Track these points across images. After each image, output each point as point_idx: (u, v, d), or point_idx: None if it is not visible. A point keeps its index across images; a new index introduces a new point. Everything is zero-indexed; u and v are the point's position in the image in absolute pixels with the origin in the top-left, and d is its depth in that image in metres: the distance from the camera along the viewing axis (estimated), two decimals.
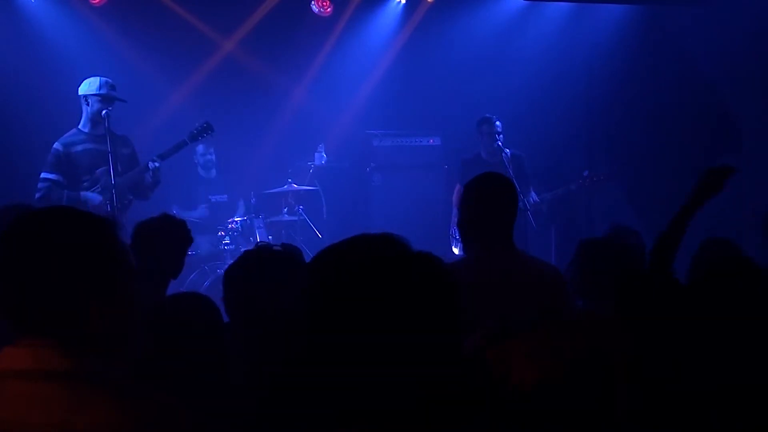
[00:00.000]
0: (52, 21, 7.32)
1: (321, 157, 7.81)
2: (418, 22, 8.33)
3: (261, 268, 2.62)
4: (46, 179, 5.63)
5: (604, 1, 8.33)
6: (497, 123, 6.98)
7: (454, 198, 7.30)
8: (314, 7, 7.91)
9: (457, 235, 7.06)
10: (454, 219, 7.04)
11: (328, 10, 7.96)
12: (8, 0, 7.12)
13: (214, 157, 7.54)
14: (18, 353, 1.46)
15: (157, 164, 5.73)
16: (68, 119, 6.22)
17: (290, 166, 7.62)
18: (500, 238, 3.04)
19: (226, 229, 7.04)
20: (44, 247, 1.48)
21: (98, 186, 5.64)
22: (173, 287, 5.21)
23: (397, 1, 8.29)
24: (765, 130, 7.85)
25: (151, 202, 5.85)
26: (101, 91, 5.66)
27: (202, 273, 6.68)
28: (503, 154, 6.72)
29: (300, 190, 7.35)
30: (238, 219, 7.14)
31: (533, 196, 6.86)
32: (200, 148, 7.44)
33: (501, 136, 6.92)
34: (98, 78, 5.73)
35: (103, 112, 5.63)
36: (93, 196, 5.62)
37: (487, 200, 3.05)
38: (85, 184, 5.66)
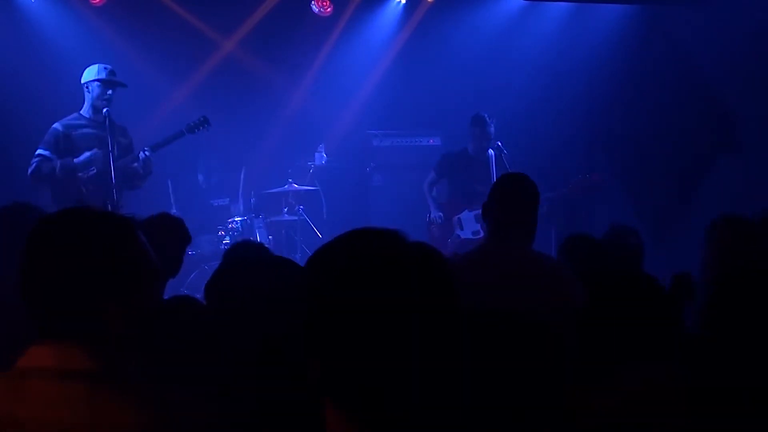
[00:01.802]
0: (52, 21, 7.32)
1: (321, 157, 7.82)
2: (418, 22, 8.33)
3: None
4: (39, 155, 5.74)
5: (604, 1, 8.33)
6: (491, 129, 6.90)
7: (425, 184, 7.24)
8: (314, 7, 7.91)
9: (438, 220, 7.05)
10: (431, 209, 7.08)
11: (328, 10, 7.96)
12: (8, 0, 7.13)
13: (215, 180, 7.58)
14: (42, 352, 1.47)
15: (147, 154, 5.80)
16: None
17: (290, 166, 7.63)
18: (521, 234, 3.17)
19: (226, 229, 7.05)
20: (67, 249, 1.48)
21: (93, 168, 5.70)
22: (173, 287, 5.18)
23: (397, 1, 8.29)
24: (765, 130, 7.85)
25: (150, 201, 5.86)
26: (100, 76, 5.78)
27: (202, 273, 6.67)
28: (489, 153, 6.75)
29: (300, 190, 7.35)
30: (239, 219, 7.15)
31: None
32: (200, 177, 7.48)
33: (493, 138, 6.89)
34: (97, 65, 5.86)
35: (104, 110, 5.72)
36: (84, 156, 5.68)
37: (515, 202, 3.19)
38: (82, 173, 5.73)
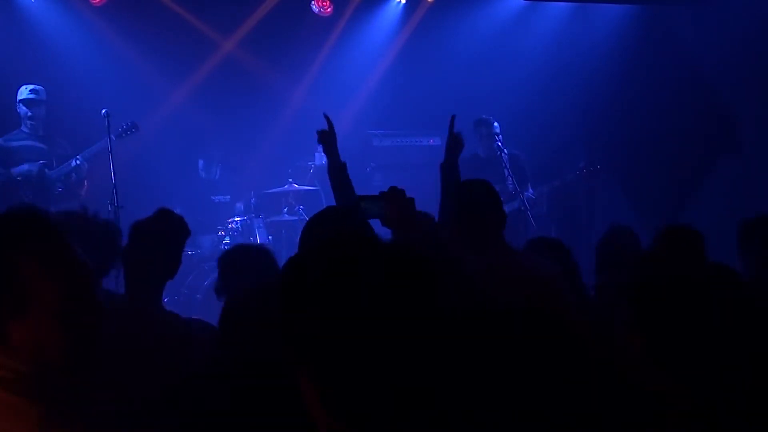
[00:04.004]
0: (52, 21, 7.32)
1: (321, 157, 7.80)
2: (418, 22, 8.33)
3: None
4: None
5: (604, 1, 8.33)
6: (495, 124, 6.99)
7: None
8: (314, 7, 7.92)
9: None
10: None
11: (328, 10, 7.96)
12: (8, 0, 7.13)
13: (216, 176, 7.56)
14: None
15: (79, 162, 6.22)
16: (68, 118, 6.28)
17: (290, 166, 7.63)
18: (491, 240, 3.09)
19: (226, 229, 7.05)
20: None
21: (32, 178, 6.17)
22: (172, 286, 5.19)
23: (397, 1, 8.29)
24: (765, 131, 7.85)
25: (151, 201, 5.86)
26: (21, 96, 6.31)
27: (202, 273, 6.67)
28: (501, 154, 6.75)
29: (300, 190, 7.35)
30: (238, 219, 7.14)
31: (530, 192, 6.90)
32: (200, 163, 7.48)
33: (500, 136, 6.93)
34: (23, 86, 6.33)
35: (103, 111, 5.88)
36: (21, 167, 6.19)
37: (470, 208, 3.11)
38: (19, 178, 6.17)
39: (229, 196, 7.51)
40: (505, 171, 6.57)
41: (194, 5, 7.68)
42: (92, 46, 7.38)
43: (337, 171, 3.45)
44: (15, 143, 6.28)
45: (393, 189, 2.86)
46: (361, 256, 1.15)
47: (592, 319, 3.11)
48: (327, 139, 3.47)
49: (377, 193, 2.88)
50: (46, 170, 6.22)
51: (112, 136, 6.00)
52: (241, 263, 3.24)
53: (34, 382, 1.45)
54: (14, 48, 7.02)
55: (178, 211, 3.13)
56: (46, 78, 6.59)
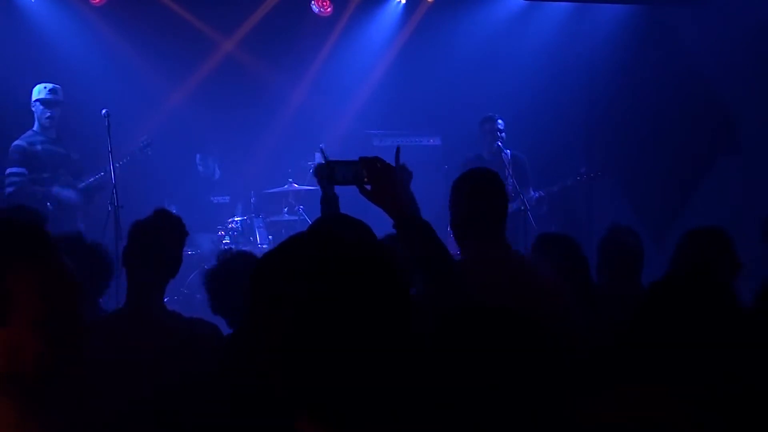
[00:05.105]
0: (52, 21, 7.32)
1: (321, 157, 7.81)
2: (418, 22, 8.33)
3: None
4: (16, 173, 5.88)
5: (604, 1, 8.33)
6: (499, 121, 7.00)
7: None
8: (314, 7, 7.92)
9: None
10: None
11: (328, 10, 7.96)
12: (8, 0, 7.13)
13: (214, 172, 7.55)
14: None
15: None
16: (68, 118, 6.27)
17: (290, 166, 7.63)
18: (493, 235, 2.98)
19: (226, 229, 7.05)
20: None
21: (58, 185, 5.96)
22: (172, 286, 5.20)
23: (397, 1, 8.29)
24: (765, 131, 7.85)
25: (151, 201, 5.86)
26: (40, 96, 6.04)
27: (202, 273, 6.66)
28: (503, 154, 6.75)
29: (300, 190, 7.35)
30: (238, 219, 7.15)
31: (532, 194, 6.90)
32: (197, 157, 7.50)
33: (503, 134, 6.94)
34: (40, 84, 6.08)
35: (103, 111, 5.81)
36: (66, 193, 5.96)
37: (476, 196, 3.02)
38: (46, 182, 5.96)
39: (228, 197, 7.51)
40: (506, 171, 6.56)
41: (194, 5, 7.69)
42: (92, 46, 7.38)
43: (329, 202, 3.36)
44: (38, 147, 6.01)
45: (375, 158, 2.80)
46: (324, 257, 1.15)
47: (595, 318, 3.10)
48: (323, 171, 3.27)
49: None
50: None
51: (135, 150, 6.08)
52: (230, 279, 3.20)
53: (10, 384, 1.47)
54: (14, 48, 7.02)
55: (174, 210, 3.14)
56: (46, 78, 6.59)
